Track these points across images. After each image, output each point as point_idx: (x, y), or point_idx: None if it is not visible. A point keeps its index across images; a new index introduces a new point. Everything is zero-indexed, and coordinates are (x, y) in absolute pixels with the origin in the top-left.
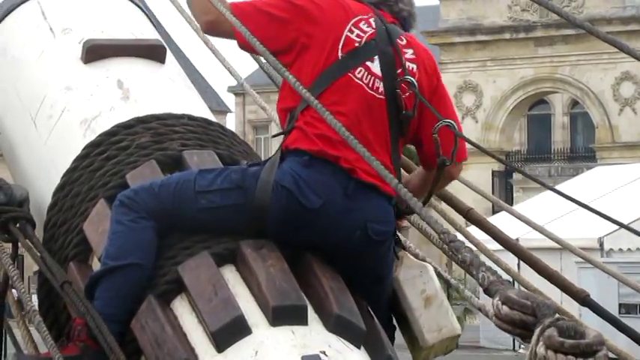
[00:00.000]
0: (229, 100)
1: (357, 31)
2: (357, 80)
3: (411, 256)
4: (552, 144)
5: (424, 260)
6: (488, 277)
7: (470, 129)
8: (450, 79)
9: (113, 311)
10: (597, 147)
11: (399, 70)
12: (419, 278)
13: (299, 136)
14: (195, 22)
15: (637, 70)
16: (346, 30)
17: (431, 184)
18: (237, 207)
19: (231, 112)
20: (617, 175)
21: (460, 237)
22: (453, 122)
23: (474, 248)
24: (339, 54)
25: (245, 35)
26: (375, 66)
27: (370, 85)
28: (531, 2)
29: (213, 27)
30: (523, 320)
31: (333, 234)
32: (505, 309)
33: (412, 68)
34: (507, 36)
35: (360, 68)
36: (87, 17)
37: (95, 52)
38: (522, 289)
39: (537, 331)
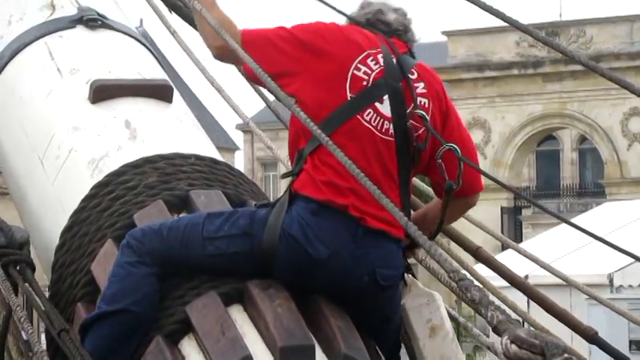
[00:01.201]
0: (238, 137)
1: (364, 69)
2: (365, 123)
3: (420, 284)
4: (561, 180)
5: None
6: (497, 316)
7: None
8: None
9: (103, 354)
10: (606, 183)
11: (409, 108)
12: (426, 307)
13: (306, 182)
14: (202, 63)
15: None
16: (352, 67)
17: (441, 209)
18: (244, 254)
19: (239, 149)
20: (626, 211)
21: (468, 275)
22: (455, 146)
23: (480, 286)
24: (348, 94)
25: (257, 72)
26: (385, 107)
27: (379, 128)
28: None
29: (222, 53)
30: None
31: (341, 280)
32: (514, 348)
33: (424, 103)
34: (515, 72)
35: (368, 110)
36: (94, 57)
37: (102, 92)
38: (531, 327)
39: None
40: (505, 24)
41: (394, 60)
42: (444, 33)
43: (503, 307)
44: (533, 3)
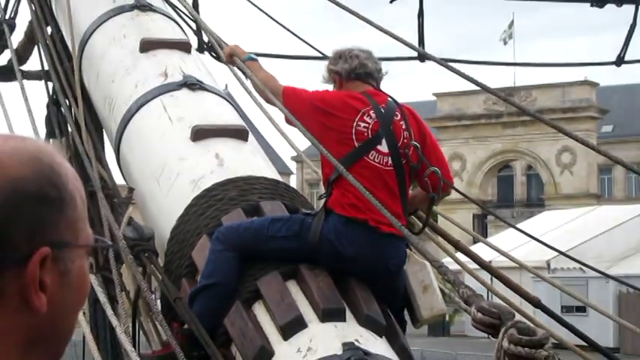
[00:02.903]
0: (292, 165)
1: (363, 124)
2: (371, 162)
3: (416, 256)
4: (514, 195)
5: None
6: (467, 292)
7: (457, 186)
8: (444, 152)
9: (205, 315)
10: (546, 198)
11: (399, 142)
12: (420, 272)
13: (336, 203)
14: (269, 114)
15: (573, 144)
16: (355, 124)
17: (427, 208)
18: (296, 249)
19: (293, 174)
20: (559, 218)
21: (450, 260)
22: (438, 169)
23: (460, 268)
24: (355, 143)
25: (292, 120)
26: (383, 147)
27: (382, 163)
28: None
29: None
30: (492, 323)
31: (365, 269)
32: (479, 315)
33: (408, 135)
34: (483, 121)
35: (372, 152)
36: (194, 110)
37: (200, 133)
38: (494, 298)
39: (502, 330)
40: (478, 88)
41: (382, 110)
42: (434, 94)
43: (474, 283)
44: (494, 74)
